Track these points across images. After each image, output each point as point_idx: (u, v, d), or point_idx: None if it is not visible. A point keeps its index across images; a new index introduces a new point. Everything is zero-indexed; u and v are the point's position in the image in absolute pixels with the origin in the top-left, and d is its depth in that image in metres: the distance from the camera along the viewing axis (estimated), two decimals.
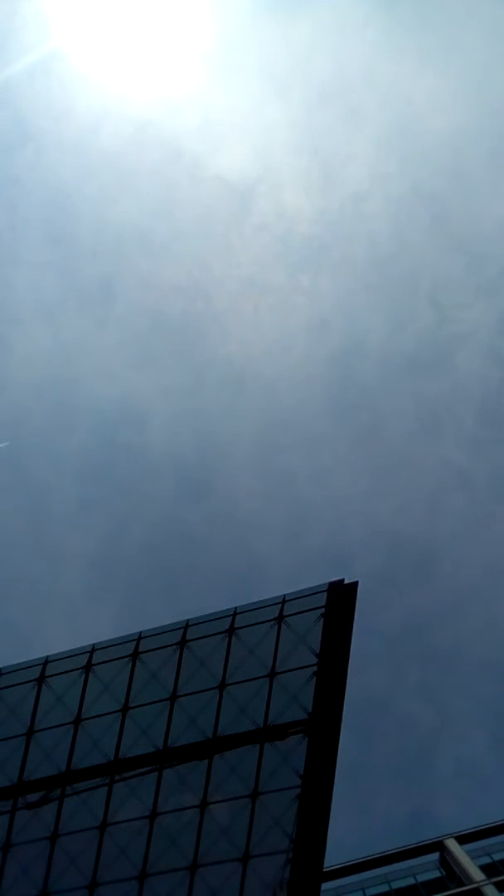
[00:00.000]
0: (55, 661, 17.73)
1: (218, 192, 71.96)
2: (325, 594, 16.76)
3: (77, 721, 16.90)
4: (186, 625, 17.39)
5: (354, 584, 16.83)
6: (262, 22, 67.87)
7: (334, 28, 67.56)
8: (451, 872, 31.22)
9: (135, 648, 17.35)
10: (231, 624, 17.10)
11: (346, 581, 16.96)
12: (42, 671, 17.58)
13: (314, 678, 15.98)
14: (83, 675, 17.33)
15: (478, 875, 29.11)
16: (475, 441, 72.22)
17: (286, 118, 71.45)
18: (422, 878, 32.52)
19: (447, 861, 32.08)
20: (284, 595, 17.11)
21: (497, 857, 31.84)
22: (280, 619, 16.82)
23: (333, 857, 32.79)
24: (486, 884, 28.23)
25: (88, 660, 17.49)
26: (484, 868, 30.18)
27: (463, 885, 29.07)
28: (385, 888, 32.66)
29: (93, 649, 17.64)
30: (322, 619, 16.49)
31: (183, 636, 17.24)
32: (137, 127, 70.71)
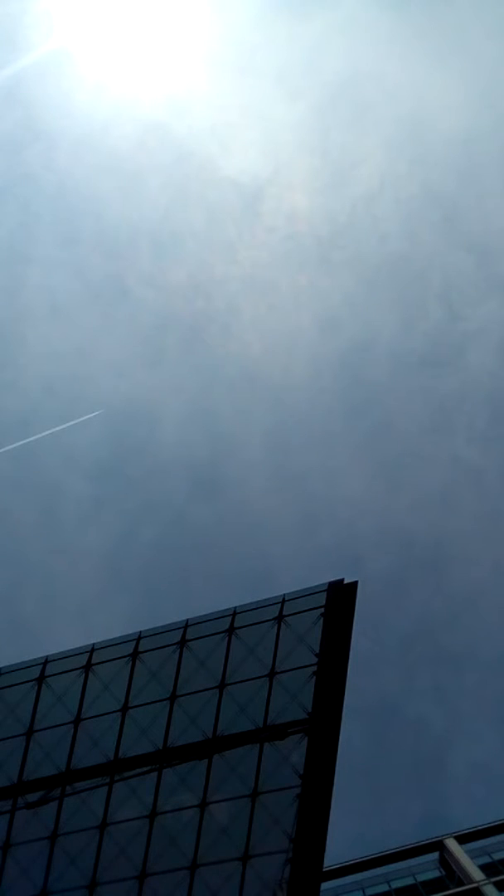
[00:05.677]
0: (55, 660, 17.74)
1: (228, 193, 72.02)
2: (324, 594, 16.77)
3: (77, 721, 16.91)
4: (186, 624, 17.40)
5: (354, 584, 16.84)
6: (272, 22, 67.91)
7: (343, 28, 67.55)
8: (451, 872, 31.22)
9: (134, 648, 17.36)
10: (231, 624, 17.10)
11: (345, 581, 16.98)
12: (42, 671, 17.59)
13: (314, 678, 15.98)
14: (83, 675, 17.33)
15: (477, 875, 29.09)
16: (486, 438, 72.11)
17: (296, 119, 71.47)
18: (421, 877, 32.51)
19: (447, 861, 32.08)
20: (284, 595, 17.12)
21: (497, 856, 31.83)
22: (280, 618, 16.83)
23: (337, 856, 32.84)
24: (486, 883, 28.22)
25: (88, 659, 17.50)
26: (484, 868, 30.17)
27: (462, 884, 29.06)
28: (385, 888, 32.64)
29: (93, 649, 17.65)
30: (322, 619, 16.50)
31: (183, 636, 17.25)
32: (147, 127, 70.78)
